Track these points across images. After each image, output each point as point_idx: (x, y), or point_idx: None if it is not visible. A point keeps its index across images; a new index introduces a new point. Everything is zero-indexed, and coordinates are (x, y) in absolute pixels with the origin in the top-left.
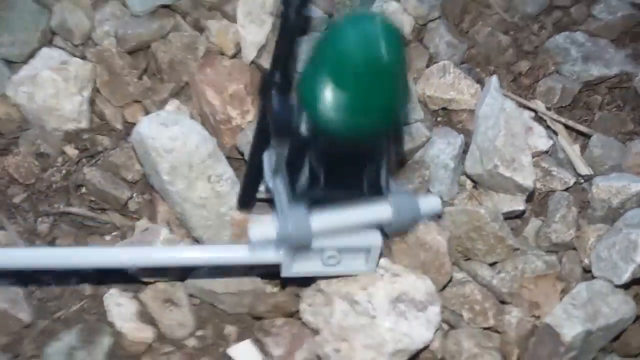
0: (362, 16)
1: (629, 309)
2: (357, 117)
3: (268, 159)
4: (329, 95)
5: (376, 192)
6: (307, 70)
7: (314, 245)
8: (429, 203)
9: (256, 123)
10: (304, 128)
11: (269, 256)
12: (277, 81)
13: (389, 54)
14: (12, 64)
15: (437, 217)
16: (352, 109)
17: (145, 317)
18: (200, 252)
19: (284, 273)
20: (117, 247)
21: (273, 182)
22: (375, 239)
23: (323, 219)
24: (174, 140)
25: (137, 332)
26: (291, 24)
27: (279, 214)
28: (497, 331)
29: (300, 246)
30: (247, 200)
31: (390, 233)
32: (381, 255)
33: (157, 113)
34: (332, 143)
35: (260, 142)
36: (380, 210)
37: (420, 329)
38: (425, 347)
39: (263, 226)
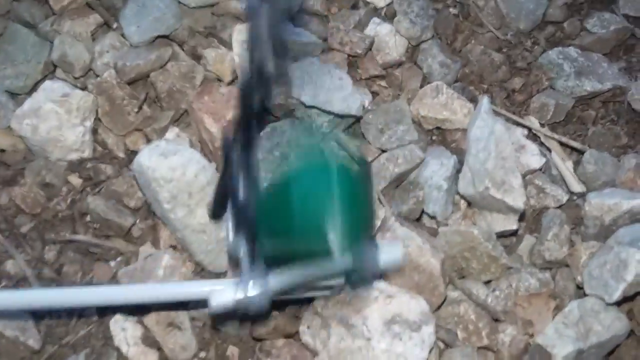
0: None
1: (621, 325)
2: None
3: (232, 222)
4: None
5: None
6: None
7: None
8: (389, 253)
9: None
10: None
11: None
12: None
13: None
14: (16, 96)
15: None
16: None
17: (150, 341)
18: (163, 290)
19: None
20: (87, 287)
21: (235, 249)
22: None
23: (283, 280)
24: (173, 170)
25: (142, 356)
26: (250, 117)
27: (240, 284)
28: (491, 350)
29: (260, 308)
30: (218, 213)
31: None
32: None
33: (156, 144)
34: None
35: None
36: (338, 265)
37: (415, 350)
38: None
39: (223, 295)
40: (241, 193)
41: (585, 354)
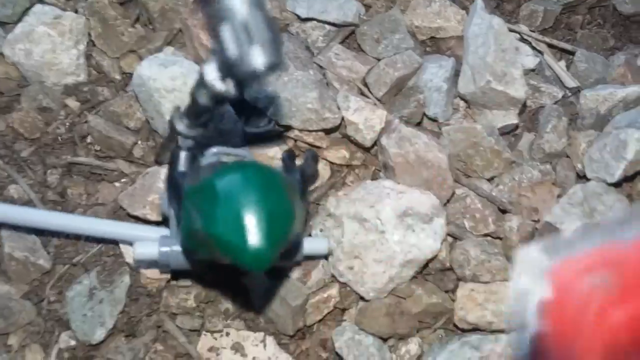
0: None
1: (622, 206)
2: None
3: (168, 192)
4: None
5: None
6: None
7: None
8: (313, 243)
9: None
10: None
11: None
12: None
13: (252, 264)
14: (6, 25)
15: (324, 258)
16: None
17: None
18: (104, 227)
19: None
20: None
21: (168, 205)
22: None
23: None
24: (174, 80)
25: (154, 269)
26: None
27: (163, 241)
28: (498, 237)
29: (178, 268)
30: (161, 160)
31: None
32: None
33: (155, 56)
34: None
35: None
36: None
37: (427, 240)
38: (434, 257)
39: (146, 247)
40: (180, 164)
41: None
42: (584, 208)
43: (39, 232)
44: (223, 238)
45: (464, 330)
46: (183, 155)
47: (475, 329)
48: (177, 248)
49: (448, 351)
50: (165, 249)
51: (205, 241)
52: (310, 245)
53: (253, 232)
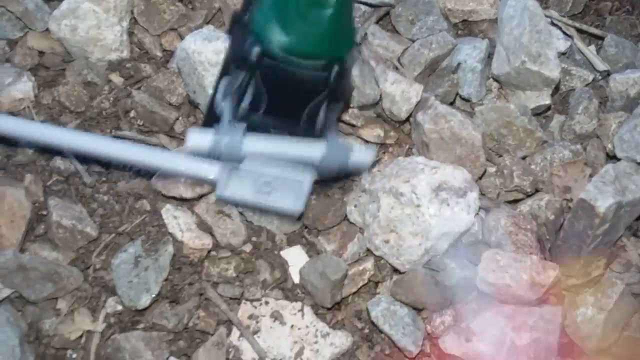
0: None
1: None
2: (297, 46)
3: (223, 85)
4: (273, 27)
5: (311, 129)
6: (258, 3)
7: (249, 168)
8: (360, 153)
9: (225, 56)
10: (253, 56)
11: (205, 168)
12: (244, 22)
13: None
14: (51, 2)
15: (369, 169)
16: (293, 40)
17: (202, 226)
18: (145, 155)
19: (219, 192)
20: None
21: (221, 105)
22: (306, 176)
23: (257, 142)
24: (218, 53)
25: (196, 240)
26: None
27: (218, 127)
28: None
29: (231, 161)
30: (210, 123)
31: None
32: (311, 194)
33: (199, 30)
34: (276, 69)
35: (224, 70)
36: (311, 148)
37: (462, 214)
38: (467, 230)
39: (201, 135)
40: (238, 44)
41: (623, 210)
42: (616, 186)
43: (85, 200)
44: None
45: (483, 294)
46: None
47: (493, 294)
48: (232, 136)
49: (482, 318)
50: (219, 137)
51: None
52: (357, 155)
53: None
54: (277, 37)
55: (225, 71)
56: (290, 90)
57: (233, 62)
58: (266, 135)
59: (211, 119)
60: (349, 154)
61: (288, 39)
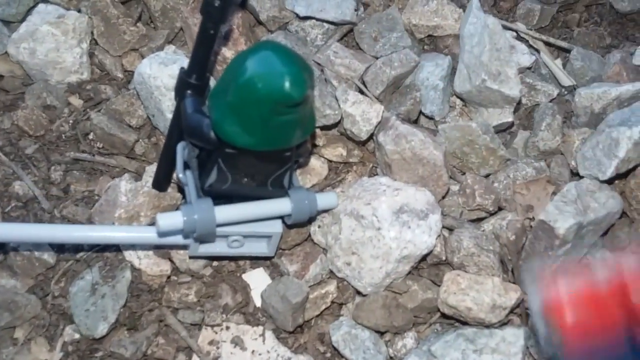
0: (265, 50)
1: (615, 202)
2: (262, 146)
3: (181, 151)
4: (235, 129)
5: (279, 189)
6: (216, 90)
7: (220, 232)
8: (326, 198)
9: (172, 117)
10: (213, 144)
11: (177, 240)
12: (193, 82)
13: (290, 91)
14: (10, 24)
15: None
16: (257, 141)
17: (160, 252)
18: (112, 233)
19: (191, 253)
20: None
21: (184, 175)
22: (276, 228)
23: (228, 213)
24: (174, 78)
25: (154, 266)
26: (209, 35)
27: (186, 206)
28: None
29: (205, 237)
30: (162, 183)
31: (290, 223)
32: (281, 239)
33: (155, 54)
34: (240, 155)
35: (175, 135)
36: (280, 205)
37: (423, 236)
38: (429, 252)
39: (171, 217)
40: (193, 121)
41: (585, 230)
42: (577, 206)
43: None
44: (264, 76)
45: (445, 316)
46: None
47: (455, 316)
48: (202, 214)
49: (443, 341)
50: (190, 217)
51: (244, 97)
52: (322, 200)
53: (290, 62)
54: (241, 138)
55: (176, 133)
56: (254, 169)
57: (187, 135)
58: (234, 204)
59: (167, 165)
60: (315, 202)
61: (252, 140)
